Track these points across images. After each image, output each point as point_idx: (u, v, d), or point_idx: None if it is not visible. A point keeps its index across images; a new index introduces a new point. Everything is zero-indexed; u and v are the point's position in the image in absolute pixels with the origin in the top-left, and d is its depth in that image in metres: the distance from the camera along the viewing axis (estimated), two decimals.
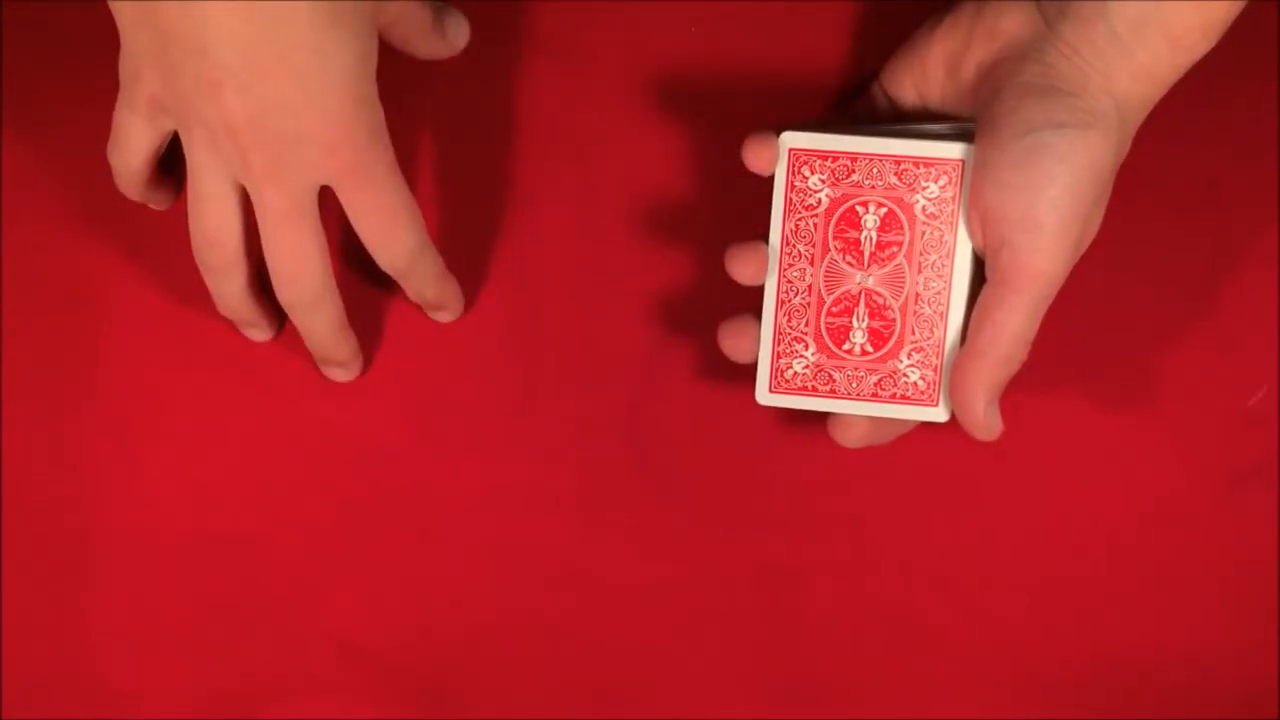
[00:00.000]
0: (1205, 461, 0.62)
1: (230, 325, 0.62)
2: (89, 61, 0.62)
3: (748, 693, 0.62)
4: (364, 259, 0.59)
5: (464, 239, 0.62)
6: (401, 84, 0.59)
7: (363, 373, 0.62)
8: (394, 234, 0.57)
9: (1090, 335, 0.61)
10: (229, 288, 0.59)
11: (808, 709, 0.62)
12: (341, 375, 0.62)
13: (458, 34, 0.62)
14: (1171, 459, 0.61)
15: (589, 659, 0.63)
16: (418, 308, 0.62)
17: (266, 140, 0.53)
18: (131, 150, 0.58)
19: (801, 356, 0.56)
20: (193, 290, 0.61)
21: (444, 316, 0.62)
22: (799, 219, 0.56)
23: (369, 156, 0.55)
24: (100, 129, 0.59)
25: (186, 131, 0.55)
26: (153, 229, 0.62)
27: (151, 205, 0.62)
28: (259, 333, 0.62)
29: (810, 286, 0.56)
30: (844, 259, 0.56)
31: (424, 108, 0.62)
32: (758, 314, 0.57)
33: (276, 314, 0.62)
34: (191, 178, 0.56)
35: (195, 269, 0.60)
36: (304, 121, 0.53)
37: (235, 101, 0.52)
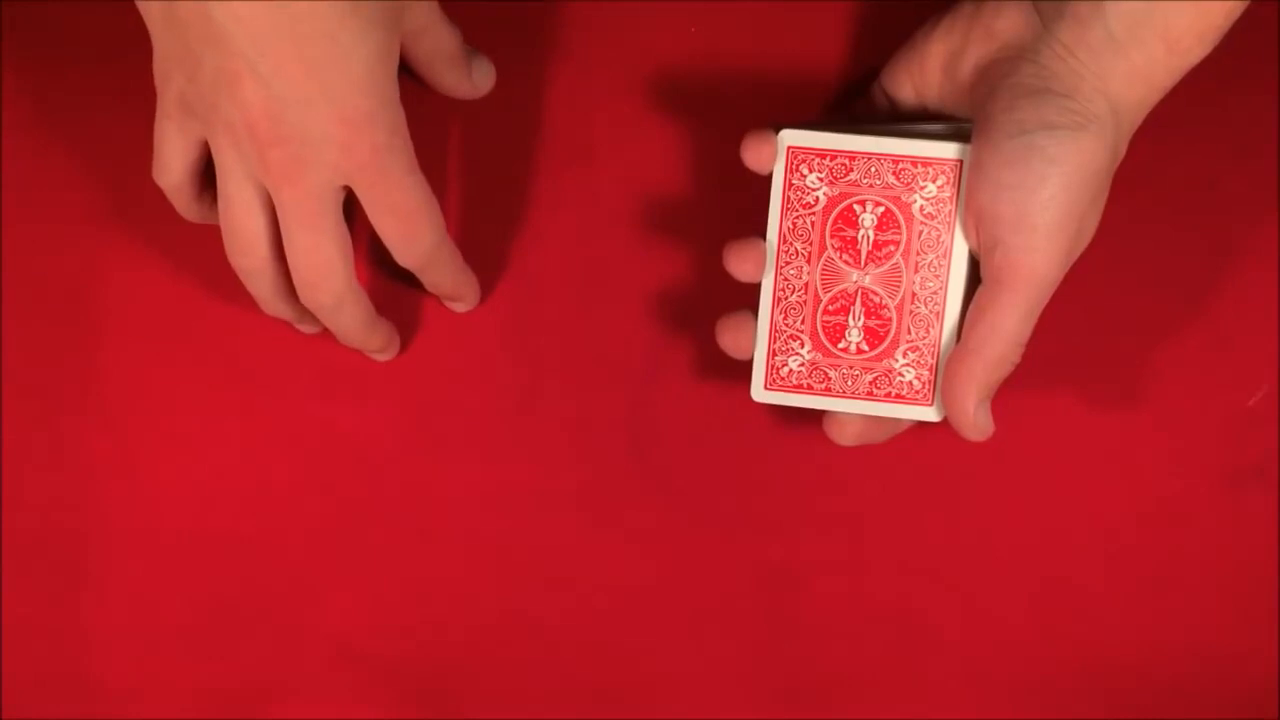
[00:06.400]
0: (1205, 461, 0.61)
1: (229, 327, 0.62)
2: (89, 61, 0.62)
3: (747, 693, 0.62)
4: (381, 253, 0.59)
5: (463, 237, 0.62)
6: (402, 84, 0.59)
7: (399, 352, 0.63)
8: (413, 233, 0.57)
9: (1089, 335, 0.61)
10: (264, 290, 0.58)
11: (807, 709, 0.62)
12: (381, 358, 0.62)
13: (483, 77, 0.62)
14: (1171, 459, 0.61)
15: (589, 659, 0.63)
16: (428, 299, 0.62)
17: (284, 137, 0.53)
18: (169, 163, 0.57)
19: (797, 354, 0.56)
20: (193, 290, 0.62)
21: (460, 307, 0.62)
22: (796, 217, 0.56)
23: (386, 155, 0.54)
24: (100, 128, 0.59)
25: (212, 134, 0.54)
26: (153, 229, 0.62)
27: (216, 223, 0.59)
28: (308, 327, 0.61)
29: (807, 284, 0.56)
30: (841, 257, 0.56)
31: (425, 107, 0.62)
32: (756, 311, 0.57)
33: None
34: (219, 181, 0.55)
35: (195, 269, 0.60)
36: (320, 117, 0.53)
37: (254, 95, 0.52)
